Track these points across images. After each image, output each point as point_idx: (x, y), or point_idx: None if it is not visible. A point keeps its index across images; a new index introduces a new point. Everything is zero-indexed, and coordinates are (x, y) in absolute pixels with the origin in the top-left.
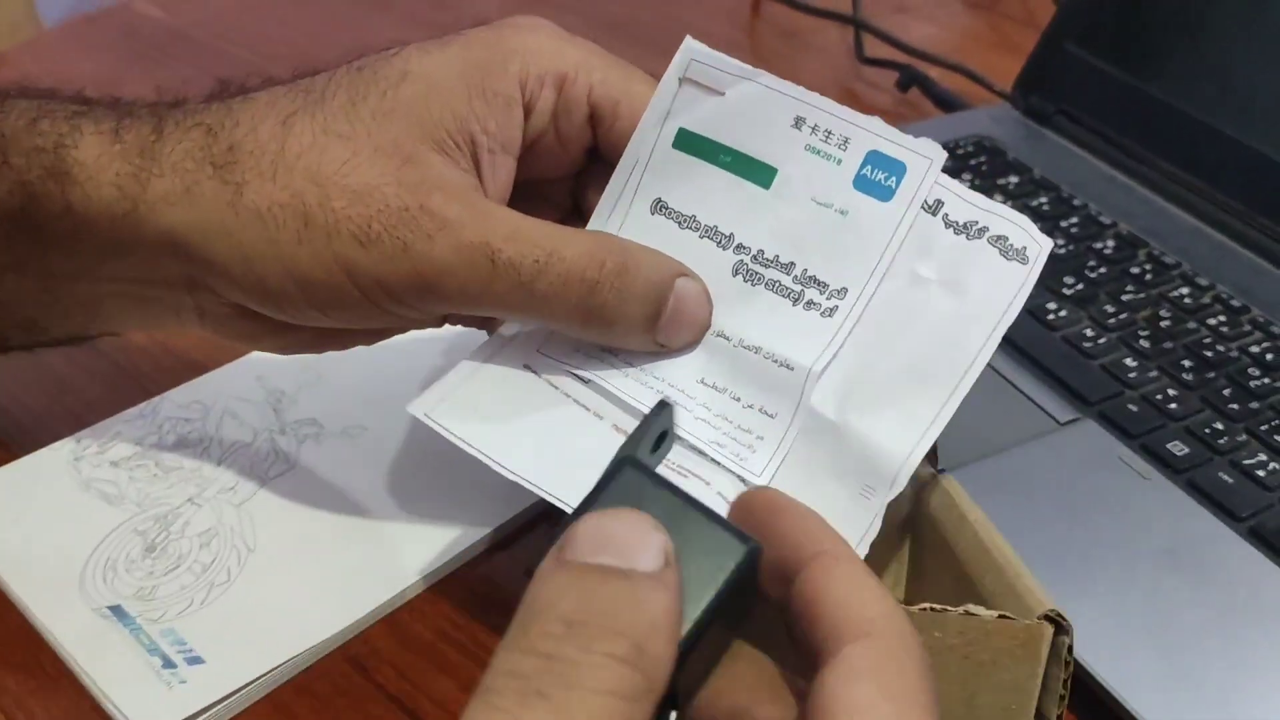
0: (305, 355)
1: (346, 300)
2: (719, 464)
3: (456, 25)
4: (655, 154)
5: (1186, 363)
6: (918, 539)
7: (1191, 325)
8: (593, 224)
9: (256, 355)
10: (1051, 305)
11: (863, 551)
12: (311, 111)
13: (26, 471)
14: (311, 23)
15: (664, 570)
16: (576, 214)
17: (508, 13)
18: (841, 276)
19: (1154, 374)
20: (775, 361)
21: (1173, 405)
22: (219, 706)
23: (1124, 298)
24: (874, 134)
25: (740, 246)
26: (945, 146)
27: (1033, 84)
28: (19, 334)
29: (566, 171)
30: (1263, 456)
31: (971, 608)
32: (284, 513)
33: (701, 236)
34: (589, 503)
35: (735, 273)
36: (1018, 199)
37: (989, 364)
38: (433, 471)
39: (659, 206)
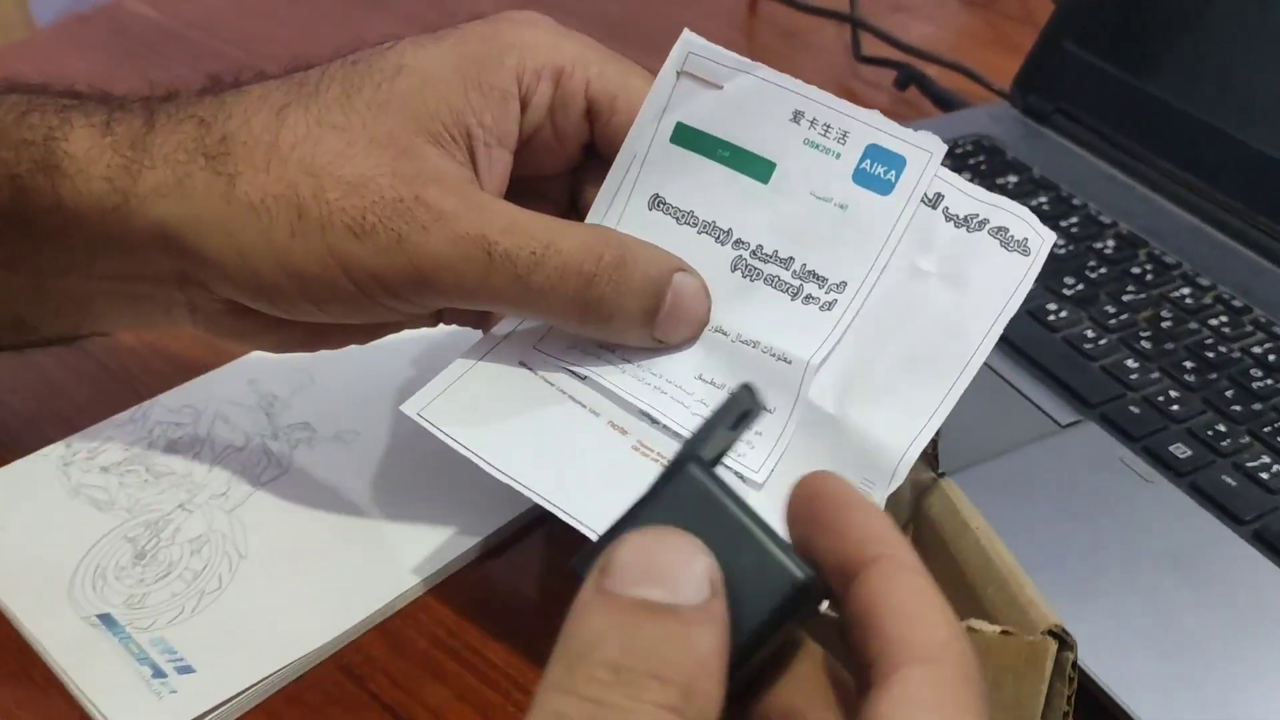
0: (297, 357)
1: (341, 294)
2: None
3: (452, 24)
4: (653, 149)
5: (1188, 364)
6: (918, 542)
7: (1193, 326)
8: (590, 220)
9: (248, 358)
10: (1052, 306)
11: None
12: (305, 103)
13: (15, 477)
14: (305, 21)
15: (710, 601)
16: (574, 211)
17: (503, 10)
18: (841, 270)
19: (1155, 375)
20: (773, 355)
21: (1175, 407)
22: (210, 716)
23: (1125, 298)
24: (873, 127)
25: (739, 242)
26: None
27: (1031, 83)
28: (8, 333)
29: (563, 167)
30: (1266, 459)
31: (974, 623)
32: (276, 518)
33: (700, 232)
34: (641, 507)
35: (734, 268)
36: (1017, 198)
37: (989, 366)
38: (427, 475)
39: (657, 202)
